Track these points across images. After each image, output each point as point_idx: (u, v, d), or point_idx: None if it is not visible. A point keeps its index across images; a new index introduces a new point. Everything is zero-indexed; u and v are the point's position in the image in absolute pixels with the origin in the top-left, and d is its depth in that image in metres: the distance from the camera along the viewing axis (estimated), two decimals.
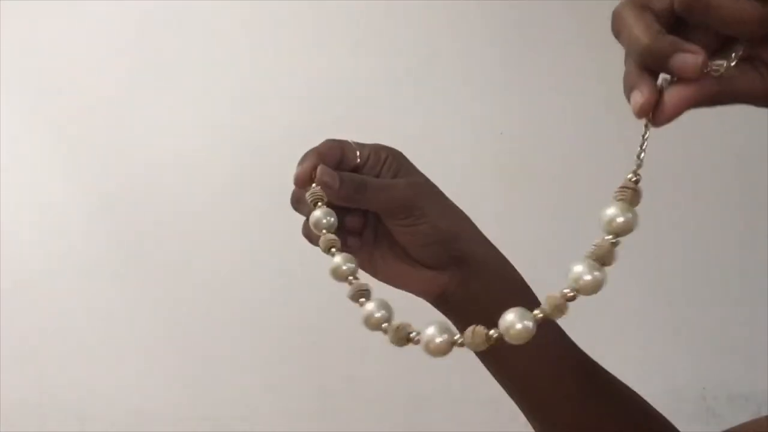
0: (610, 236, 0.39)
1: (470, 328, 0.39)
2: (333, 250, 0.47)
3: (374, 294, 0.44)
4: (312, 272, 1.43)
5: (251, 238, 1.45)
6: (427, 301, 0.52)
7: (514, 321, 0.38)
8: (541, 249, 1.35)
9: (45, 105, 1.52)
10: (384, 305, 0.43)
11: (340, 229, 0.49)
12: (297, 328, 1.43)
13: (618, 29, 0.35)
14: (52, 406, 1.48)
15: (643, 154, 0.39)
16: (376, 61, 1.45)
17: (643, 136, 0.39)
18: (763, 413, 1.24)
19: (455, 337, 0.40)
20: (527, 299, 0.52)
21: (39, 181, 1.52)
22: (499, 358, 0.51)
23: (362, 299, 0.44)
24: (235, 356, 1.45)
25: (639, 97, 0.36)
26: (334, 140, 0.51)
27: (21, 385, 1.48)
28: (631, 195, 0.39)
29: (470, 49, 1.43)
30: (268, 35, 1.49)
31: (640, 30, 0.34)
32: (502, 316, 0.38)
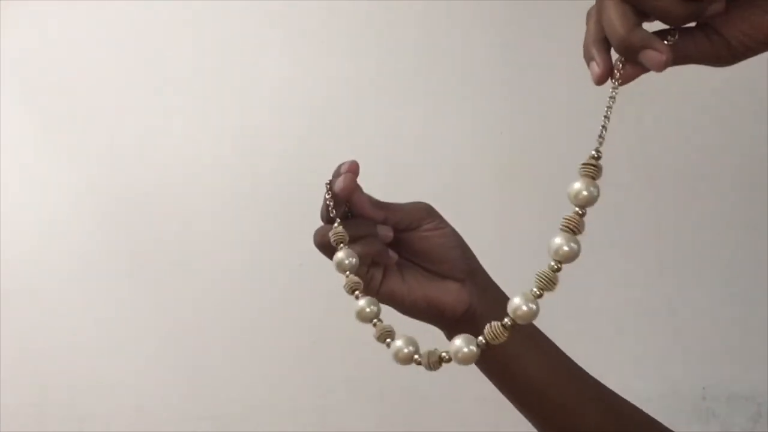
0: (577, 209, 0.44)
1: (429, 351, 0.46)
2: (357, 293, 0.48)
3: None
4: (312, 272, 1.43)
5: (252, 238, 1.46)
6: (452, 321, 0.54)
7: (461, 346, 0.45)
8: (540, 249, 1.34)
9: (47, 107, 1.53)
10: (411, 341, 0.47)
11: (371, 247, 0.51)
12: (297, 327, 1.43)
13: (599, 12, 0.39)
14: (52, 406, 1.48)
15: (604, 132, 0.44)
16: (375, 62, 1.45)
17: (608, 108, 0.44)
18: (763, 413, 1.24)
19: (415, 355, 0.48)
20: None
21: (40, 182, 1.52)
22: (508, 371, 0.54)
23: (388, 340, 0.47)
24: (235, 356, 1.45)
25: (596, 67, 0.41)
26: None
27: (21, 385, 1.48)
28: (593, 171, 0.43)
29: (470, 49, 1.42)
30: (270, 38, 1.49)
31: (619, 20, 0.38)
32: (452, 340, 0.45)
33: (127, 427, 1.45)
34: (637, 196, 1.32)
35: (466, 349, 0.45)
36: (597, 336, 1.29)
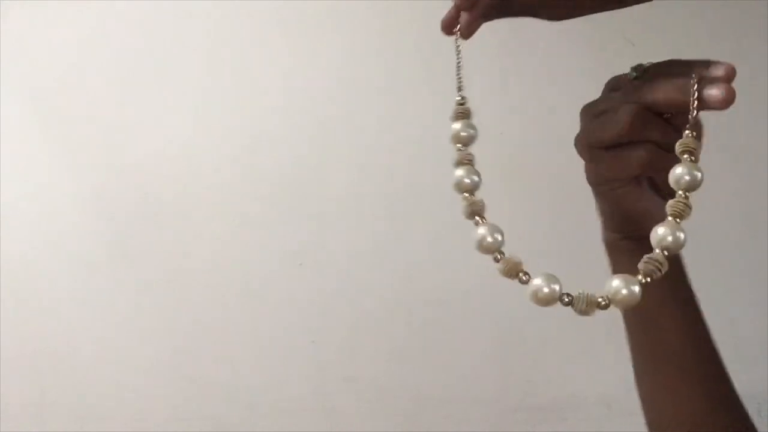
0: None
1: (583, 293, 0.39)
2: (477, 218, 0.43)
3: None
4: (312, 272, 1.43)
5: (250, 236, 1.46)
6: None
7: (620, 286, 0.38)
8: (541, 249, 1.34)
9: (43, 102, 1.52)
10: (497, 229, 0.42)
11: None
12: (297, 327, 1.43)
13: None
14: (52, 406, 1.48)
15: (461, 73, 0.44)
16: (374, 62, 1.45)
17: (457, 52, 0.46)
18: (763, 413, 1.24)
19: (563, 295, 0.39)
20: None
21: (38, 181, 1.52)
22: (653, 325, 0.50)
23: (477, 218, 0.42)
24: (234, 356, 1.45)
25: (444, 17, 0.41)
26: None
27: (21, 385, 1.48)
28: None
29: (469, 49, 1.42)
30: (265, 33, 1.49)
31: None
32: (607, 281, 0.39)
33: (127, 427, 1.45)
34: None
35: (625, 291, 0.38)
36: (597, 336, 1.29)
